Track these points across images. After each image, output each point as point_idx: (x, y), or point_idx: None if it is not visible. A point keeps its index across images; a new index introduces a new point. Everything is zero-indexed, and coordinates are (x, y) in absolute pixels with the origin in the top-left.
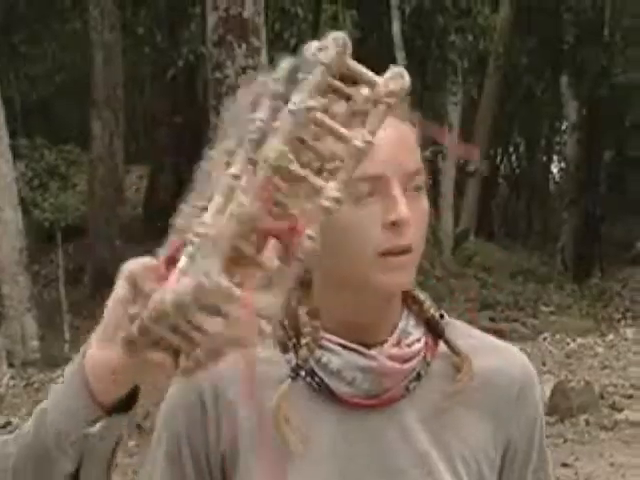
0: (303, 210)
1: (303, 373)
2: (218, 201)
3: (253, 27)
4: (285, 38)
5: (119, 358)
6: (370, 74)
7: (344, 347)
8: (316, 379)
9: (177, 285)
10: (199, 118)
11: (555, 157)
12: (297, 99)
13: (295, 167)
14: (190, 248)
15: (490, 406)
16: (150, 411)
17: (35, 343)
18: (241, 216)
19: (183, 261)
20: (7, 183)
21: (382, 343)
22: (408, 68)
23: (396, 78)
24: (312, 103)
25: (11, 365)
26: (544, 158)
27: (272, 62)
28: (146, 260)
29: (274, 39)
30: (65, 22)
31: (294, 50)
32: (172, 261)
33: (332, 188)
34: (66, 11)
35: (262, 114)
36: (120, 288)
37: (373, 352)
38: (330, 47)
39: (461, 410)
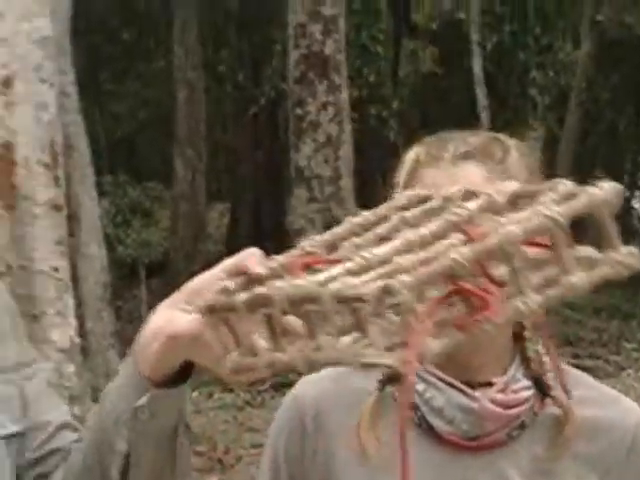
0: (501, 296)
1: None
2: (397, 245)
3: (334, 64)
4: (365, 74)
5: (185, 322)
6: (616, 238)
7: (449, 385)
8: (418, 413)
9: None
10: (280, 154)
11: (637, 193)
12: (555, 208)
13: (518, 256)
14: (350, 265)
15: (598, 458)
16: (230, 447)
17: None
18: (454, 265)
19: (338, 270)
20: (92, 220)
21: (489, 384)
22: (489, 104)
23: (635, 255)
24: (562, 220)
25: (95, 400)
26: (627, 193)
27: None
28: (255, 251)
29: (354, 76)
30: (149, 61)
31: (371, 85)
32: (305, 267)
33: (536, 300)
34: (151, 50)
35: (472, 206)
36: (220, 266)
37: (477, 393)
38: (608, 191)
39: (566, 462)
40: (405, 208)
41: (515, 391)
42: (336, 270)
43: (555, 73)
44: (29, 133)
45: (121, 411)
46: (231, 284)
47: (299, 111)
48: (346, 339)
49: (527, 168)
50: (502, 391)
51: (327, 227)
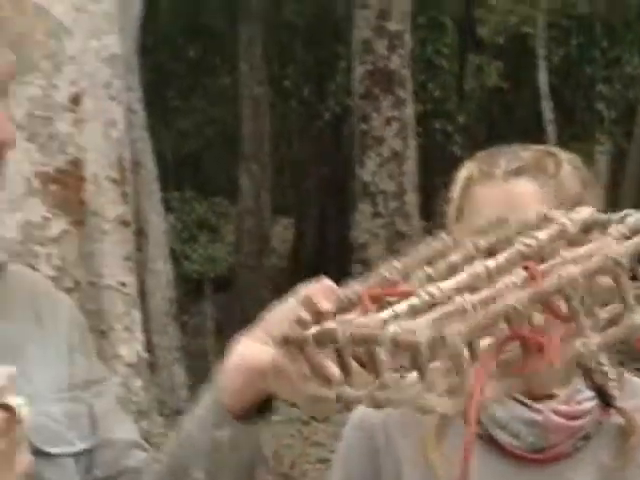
0: (560, 337)
1: None
2: (464, 279)
3: (399, 79)
4: (430, 89)
5: (265, 355)
6: None
7: (512, 398)
8: (483, 427)
9: (407, 322)
10: (344, 169)
11: None
12: (619, 247)
13: (578, 298)
14: (414, 301)
15: None
16: (296, 461)
17: (184, 393)
18: (511, 311)
19: (402, 307)
20: (158, 235)
21: (551, 397)
22: (555, 118)
23: None
24: (624, 261)
25: (162, 414)
26: None
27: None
28: (326, 282)
29: (419, 90)
30: (215, 77)
31: (436, 100)
32: (376, 299)
33: (596, 342)
34: (216, 67)
35: (543, 236)
36: (292, 299)
37: (539, 406)
38: None
39: (633, 470)
40: (482, 232)
41: (579, 402)
42: (400, 307)
43: (622, 86)
44: (98, 150)
45: (200, 441)
46: (306, 315)
47: (364, 126)
48: (409, 379)
49: (581, 181)
50: (565, 403)
51: (391, 242)
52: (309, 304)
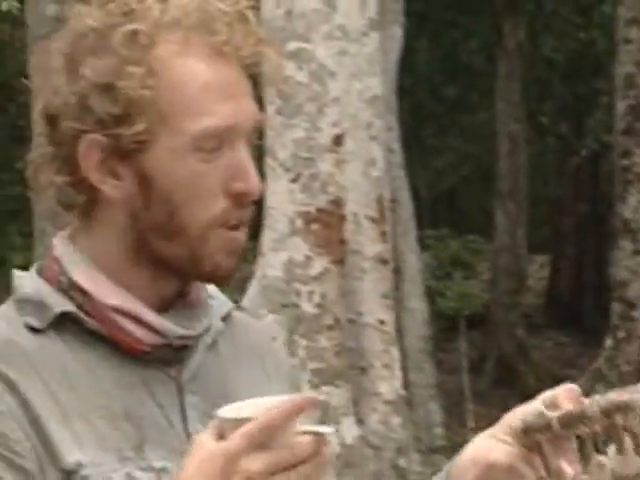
0: None
1: None
2: None
3: None
4: None
5: (502, 452)
6: None
7: None
8: None
9: None
10: (603, 207)
11: None
12: None
13: None
14: None
15: None
16: None
17: (440, 430)
18: None
19: None
20: (414, 273)
21: None
22: None
23: None
24: None
25: (418, 451)
26: None
27: None
28: (572, 387)
29: None
30: (472, 115)
31: None
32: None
33: None
34: (474, 105)
35: None
36: (538, 398)
37: None
38: None
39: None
40: None
41: None
42: None
43: None
44: (358, 189)
45: None
46: (547, 412)
47: (625, 162)
48: None
49: None
50: None
51: None
52: (552, 404)
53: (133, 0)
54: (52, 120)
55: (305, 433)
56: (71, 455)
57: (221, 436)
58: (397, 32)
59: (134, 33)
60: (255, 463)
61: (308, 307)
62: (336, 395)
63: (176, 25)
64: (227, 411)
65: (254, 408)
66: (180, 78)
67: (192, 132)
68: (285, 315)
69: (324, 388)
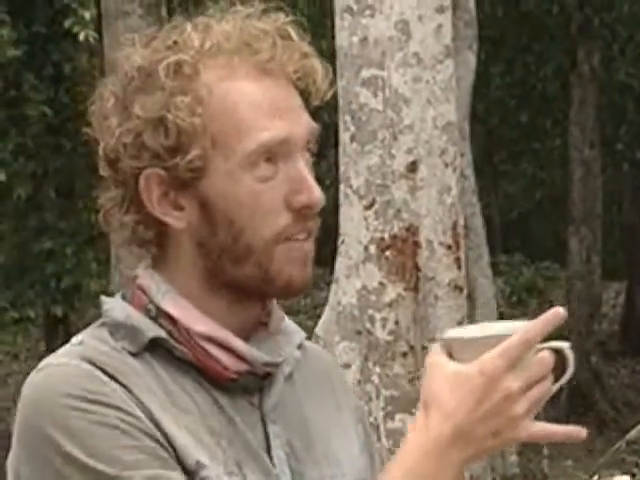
0: None
1: None
2: None
3: None
4: None
5: None
6: None
7: None
8: None
9: None
10: None
11: None
12: None
13: None
14: None
15: None
16: None
17: (514, 458)
18: None
19: None
20: (487, 299)
21: None
22: None
23: None
24: None
25: None
26: None
27: None
28: None
29: None
30: (545, 141)
31: None
32: None
33: None
34: (547, 130)
35: None
36: None
37: None
38: None
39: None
40: None
41: None
42: None
43: None
44: (432, 216)
45: None
46: None
47: None
48: None
49: None
50: None
51: None
52: None
53: (175, 34)
54: (112, 162)
55: (544, 349)
56: (192, 457)
57: (449, 356)
58: (471, 58)
59: (177, 64)
60: (514, 383)
61: (382, 334)
62: (411, 422)
63: (218, 50)
64: (453, 333)
65: (475, 331)
66: (227, 100)
67: (245, 151)
68: (359, 342)
69: (398, 416)
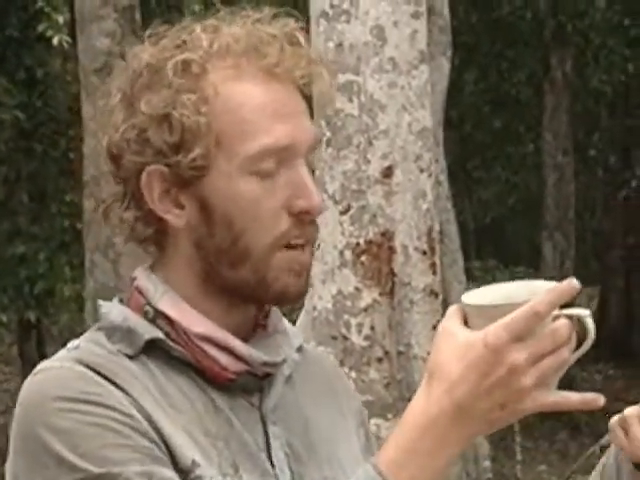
0: None
1: None
2: None
3: None
4: None
5: None
6: None
7: None
8: None
9: None
10: None
11: None
12: None
13: None
14: None
15: None
16: None
17: (487, 463)
18: None
19: None
20: None
21: None
22: None
23: None
24: None
25: None
26: None
27: None
28: None
29: None
30: (518, 147)
31: None
32: None
33: None
34: (520, 136)
35: None
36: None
37: None
38: None
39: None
40: None
41: None
42: None
43: None
44: (408, 221)
45: None
46: None
47: None
48: None
49: None
50: None
51: None
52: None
53: (184, 33)
54: (115, 158)
55: (560, 317)
56: (187, 456)
57: (464, 322)
58: (445, 64)
59: (186, 62)
60: (519, 355)
61: (357, 339)
62: (385, 428)
63: (226, 52)
64: (469, 297)
65: (496, 294)
66: (233, 102)
67: (248, 153)
68: (334, 347)
69: (373, 420)
